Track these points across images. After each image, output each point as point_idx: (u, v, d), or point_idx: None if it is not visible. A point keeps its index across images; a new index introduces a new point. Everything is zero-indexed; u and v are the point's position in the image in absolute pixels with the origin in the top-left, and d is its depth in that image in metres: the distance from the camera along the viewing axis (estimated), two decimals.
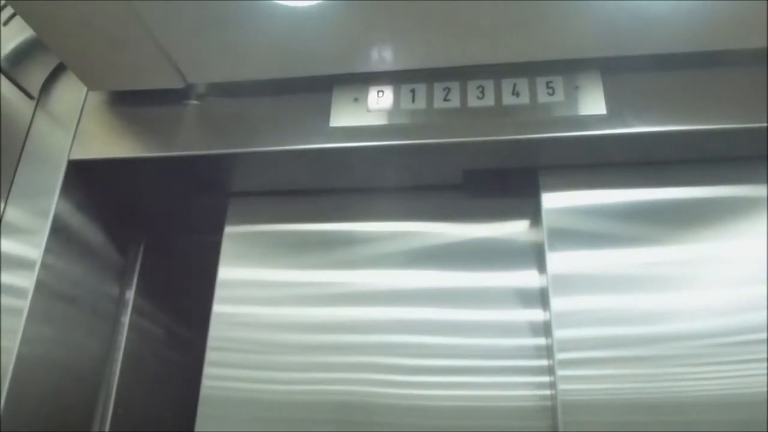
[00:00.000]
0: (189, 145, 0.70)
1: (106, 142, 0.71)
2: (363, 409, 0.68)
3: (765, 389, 0.59)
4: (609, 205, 0.69)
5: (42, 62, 0.73)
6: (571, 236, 0.68)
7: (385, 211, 0.76)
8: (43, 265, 0.66)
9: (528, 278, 0.71)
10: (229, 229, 0.78)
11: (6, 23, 0.69)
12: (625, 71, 0.66)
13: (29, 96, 0.73)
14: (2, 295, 0.65)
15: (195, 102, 0.73)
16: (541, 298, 0.69)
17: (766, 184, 0.67)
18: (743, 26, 0.59)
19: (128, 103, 0.73)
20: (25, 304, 0.64)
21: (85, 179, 0.73)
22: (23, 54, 0.71)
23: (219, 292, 0.75)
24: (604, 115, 0.64)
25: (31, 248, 0.67)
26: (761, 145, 0.65)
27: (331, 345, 0.71)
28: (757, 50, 0.63)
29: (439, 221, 0.75)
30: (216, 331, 0.73)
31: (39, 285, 0.66)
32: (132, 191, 0.80)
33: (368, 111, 0.69)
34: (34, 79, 0.73)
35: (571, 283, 0.66)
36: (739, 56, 0.64)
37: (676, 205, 0.68)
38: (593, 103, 0.65)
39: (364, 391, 0.68)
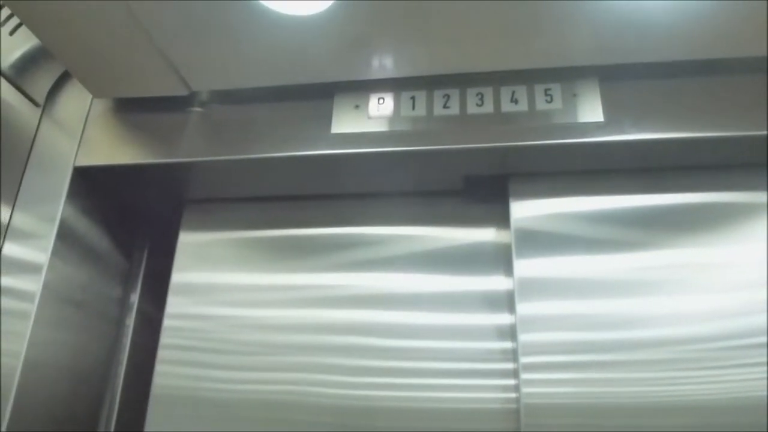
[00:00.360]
0: (192, 151, 0.71)
1: (111, 149, 0.72)
2: (324, 410, 0.68)
3: (750, 394, 0.59)
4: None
5: (47, 70, 0.74)
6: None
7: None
8: (50, 270, 0.68)
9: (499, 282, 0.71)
10: (184, 237, 0.79)
11: (12, 33, 0.70)
12: (623, 79, 0.66)
13: (35, 103, 0.74)
14: (10, 299, 0.66)
15: (198, 109, 0.73)
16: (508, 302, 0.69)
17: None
18: (742, 34, 0.59)
19: (133, 110, 0.74)
20: (32, 307, 0.66)
21: (91, 185, 0.74)
22: (29, 62, 0.72)
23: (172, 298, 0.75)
24: (601, 122, 0.65)
25: (38, 253, 0.68)
26: (761, 152, 0.65)
27: (291, 345, 0.71)
28: (756, 58, 0.63)
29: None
30: (169, 329, 0.74)
31: (46, 289, 0.67)
32: (136, 196, 0.81)
33: (369, 118, 0.69)
34: (40, 86, 0.74)
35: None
36: (739, 64, 0.64)
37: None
38: (591, 110, 0.65)
39: (325, 392, 0.68)
